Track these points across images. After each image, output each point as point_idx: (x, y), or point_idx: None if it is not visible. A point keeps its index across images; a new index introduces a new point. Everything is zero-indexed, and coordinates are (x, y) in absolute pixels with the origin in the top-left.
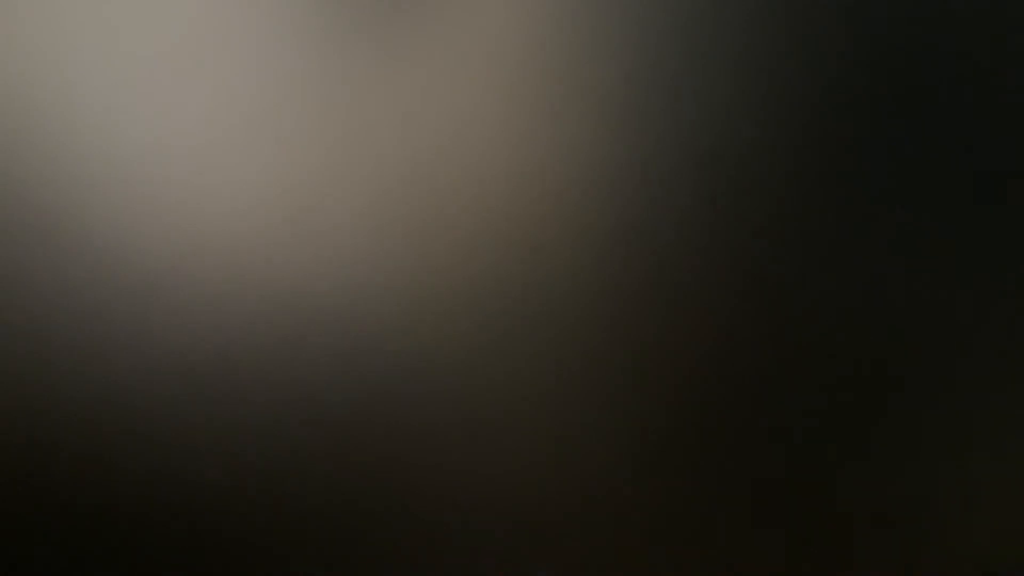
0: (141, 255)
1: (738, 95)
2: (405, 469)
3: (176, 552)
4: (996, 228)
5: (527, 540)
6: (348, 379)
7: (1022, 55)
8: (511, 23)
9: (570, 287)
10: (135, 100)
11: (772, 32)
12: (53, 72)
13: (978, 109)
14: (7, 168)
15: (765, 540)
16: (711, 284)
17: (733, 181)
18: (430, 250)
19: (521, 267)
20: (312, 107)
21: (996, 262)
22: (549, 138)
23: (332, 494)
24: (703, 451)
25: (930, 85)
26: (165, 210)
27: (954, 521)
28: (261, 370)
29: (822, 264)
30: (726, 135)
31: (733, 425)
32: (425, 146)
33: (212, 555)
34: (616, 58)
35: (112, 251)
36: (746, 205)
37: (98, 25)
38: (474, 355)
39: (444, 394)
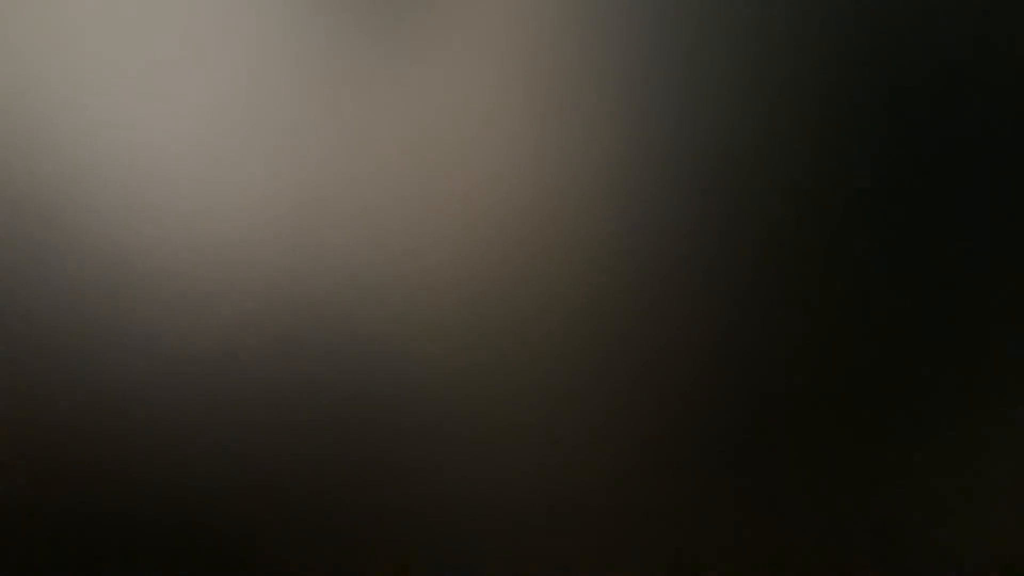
0: (141, 254)
1: (741, 95)
2: (404, 469)
3: (173, 550)
4: (1001, 229)
5: (526, 542)
6: (348, 379)
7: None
8: (513, 23)
9: (572, 288)
10: (135, 99)
11: (776, 31)
12: (54, 73)
13: (982, 110)
14: (8, 168)
15: (766, 542)
16: (713, 286)
17: (736, 181)
18: (431, 250)
19: (522, 267)
20: (313, 107)
21: (1002, 264)
22: (551, 138)
23: (331, 494)
24: (705, 455)
25: (942, 85)
26: (165, 209)
27: (955, 525)
28: (261, 369)
29: (828, 265)
30: (728, 135)
31: (735, 428)
32: (426, 146)
33: (210, 553)
34: (617, 57)
35: (112, 250)
36: (750, 205)
37: (99, 25)
38: (475, 355)
39: (444, 394)
